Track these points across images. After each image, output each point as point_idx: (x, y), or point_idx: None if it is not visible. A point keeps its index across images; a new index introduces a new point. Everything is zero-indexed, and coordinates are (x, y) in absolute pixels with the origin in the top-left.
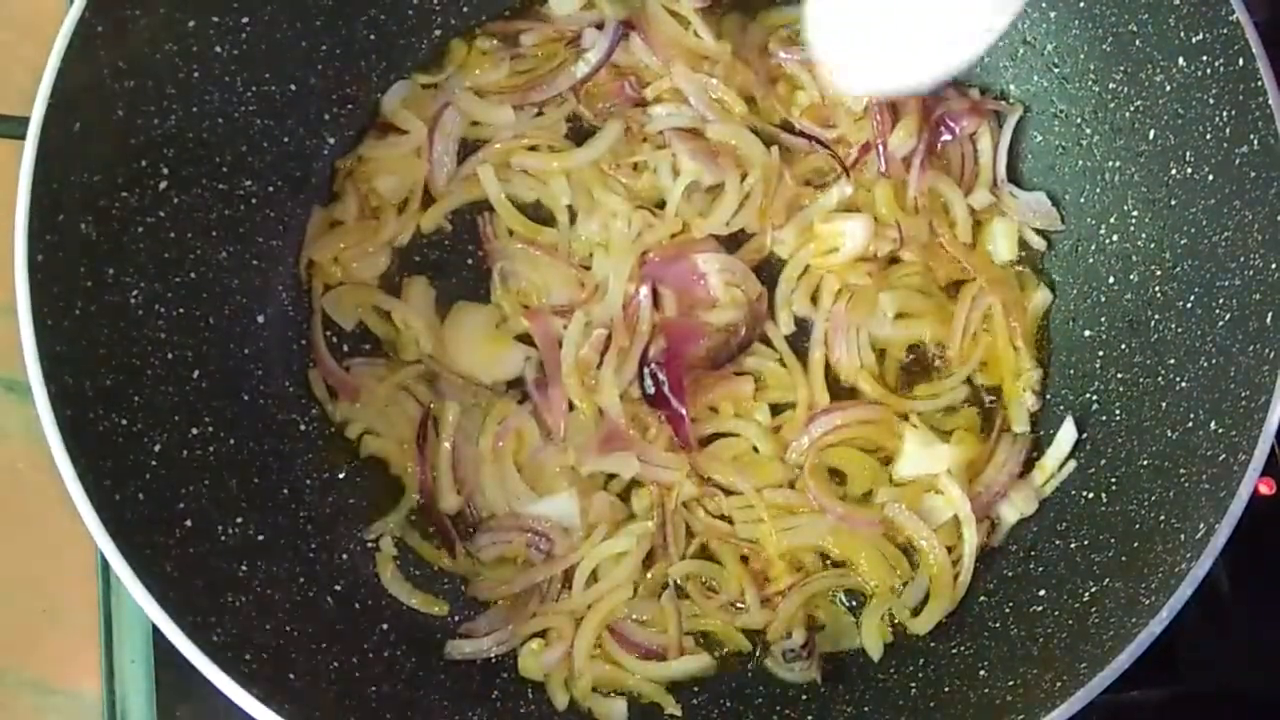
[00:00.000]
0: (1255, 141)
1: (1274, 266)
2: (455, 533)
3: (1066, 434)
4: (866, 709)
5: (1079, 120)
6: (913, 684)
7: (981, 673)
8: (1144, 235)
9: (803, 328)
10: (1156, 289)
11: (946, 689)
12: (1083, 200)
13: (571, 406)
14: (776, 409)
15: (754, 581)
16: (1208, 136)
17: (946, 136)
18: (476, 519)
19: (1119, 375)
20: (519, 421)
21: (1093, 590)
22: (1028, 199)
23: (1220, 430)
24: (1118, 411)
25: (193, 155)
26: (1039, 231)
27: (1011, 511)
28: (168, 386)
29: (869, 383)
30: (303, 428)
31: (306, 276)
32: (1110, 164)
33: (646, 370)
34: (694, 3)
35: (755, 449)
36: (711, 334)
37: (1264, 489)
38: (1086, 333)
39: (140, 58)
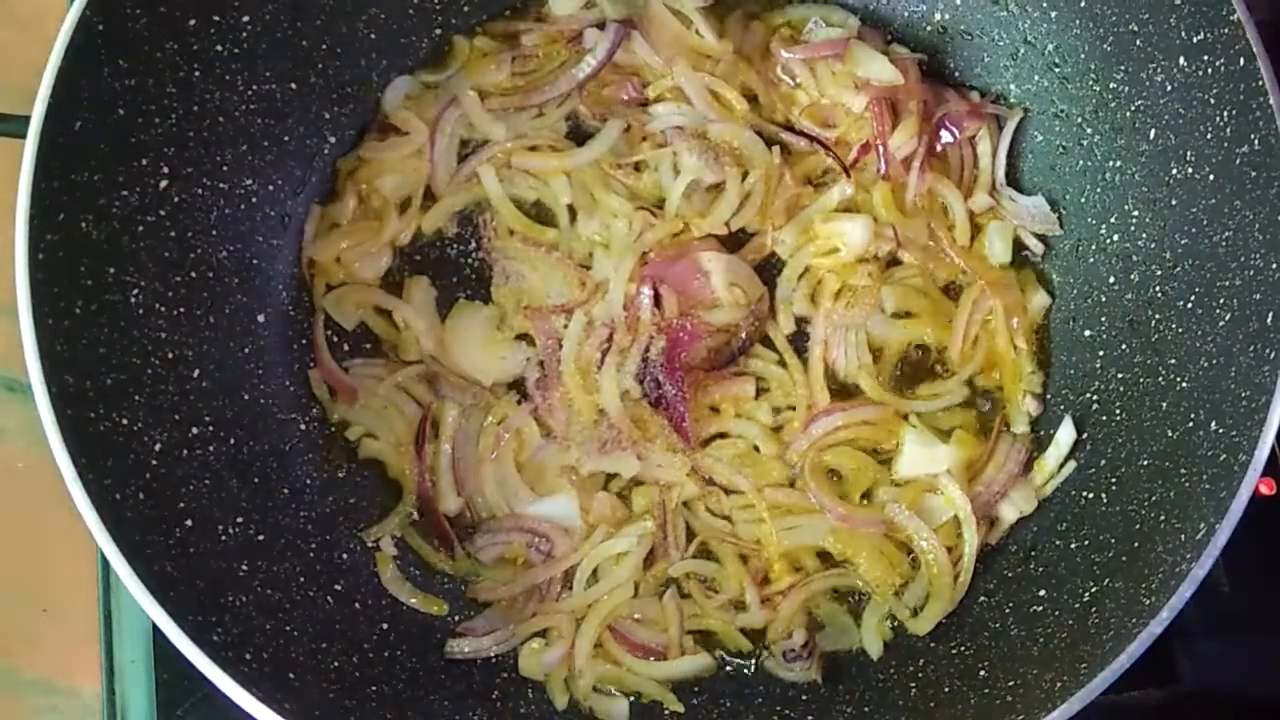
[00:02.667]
0: (1256, 141)
1: (1274, 266)
2: (454, 534)
3: (1066, 434)
4: (866, 709)
5: (1080, 120)
6: (913, 684)
7: (981, 673)
8: (1144, 235)
9: (802, 328)
10: (1157, 289)
11: (946, 689)
12: (1083, 200)
13: (572, 406)
14: (777, 409)
15: (754, 581)
16: (1208, 136)
17: (947, 139)
18: (476, 520)
19: (1119, 375)
20: (519, 421)
21: (1093, 590)
22: (1026, 203)
23: (1220, 430)
24: (1118, 411)
25: (193, 155)
26: (1037, 235)
27: (1011, 511)
28: (168, 386)
29: (869, 382)
30: (303, 428)
31: (308, 276)
32: (1111, 164)
33: (647, 370)
34: (696, 2)
35: (756, 449)
36: (712, 334)
37: (1264, 489)
38: (1086, 333)
39: (140, 58)
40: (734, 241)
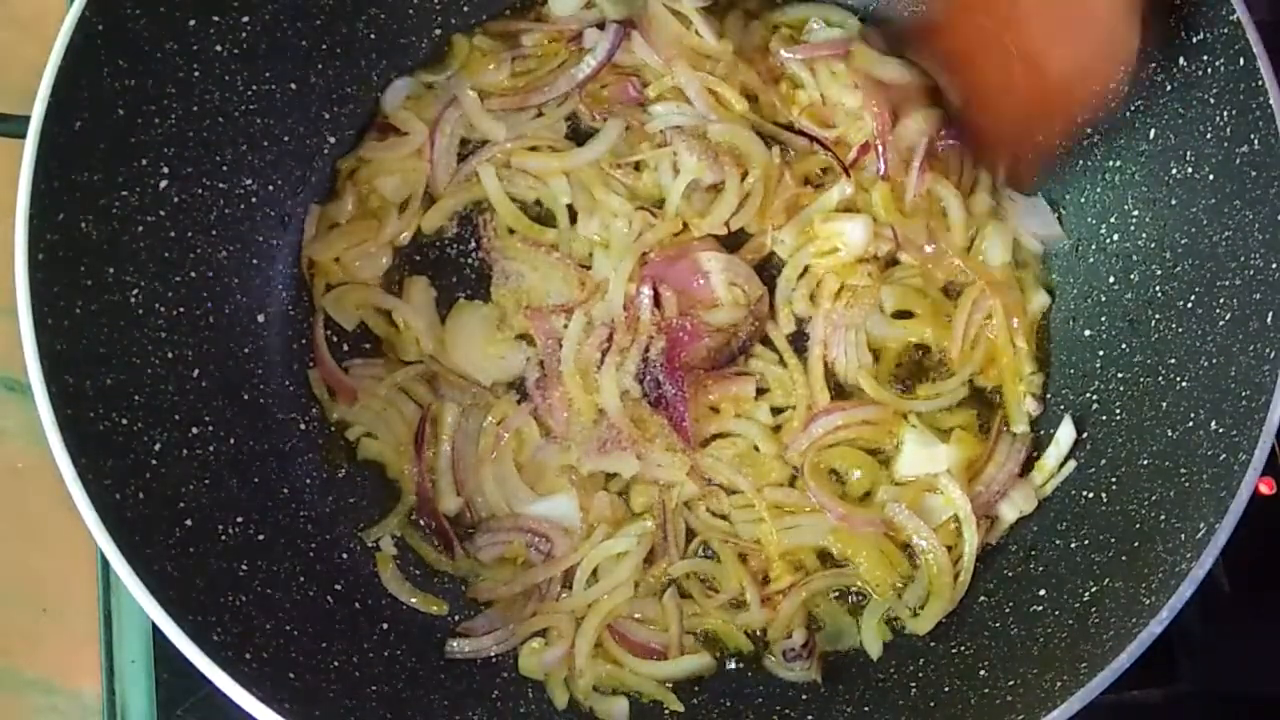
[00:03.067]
0: (1255, 141)
1: (1274, 266)
2: (454, 534)
3: (1065, 433)
4: (866, 709)
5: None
6: (913, 684)
7: (981, 673)
8: (1144, 235)
9: (802, 328)
10: (1157, 288)
11: (946, 689)
12: (1083, 200)
13: (572, 406)
14: (777, 409)
15: (754, 581)
16: (1208, 136)
17: (948, 140)
18: (476, 519)
19: (1119, 375)
20: (519, 421)
21: (1093, 590)
22: (1026, 204)
23: (1220, 430)
24: (1118, 411)
25: (193, 155)
26: (1037, 236)
27: (1011, 510)
28: (168, 386)
29: (869, 382)
30: (303, 428)
31: (308, 276)
32: (1110, 164)
33: (647, 370)
34: (695, 2)
35: (756, 449)
36: (712, 334)
37: (1264, 489)
38: (1086, 332)
39: (140, 58)
40: (734, 241)
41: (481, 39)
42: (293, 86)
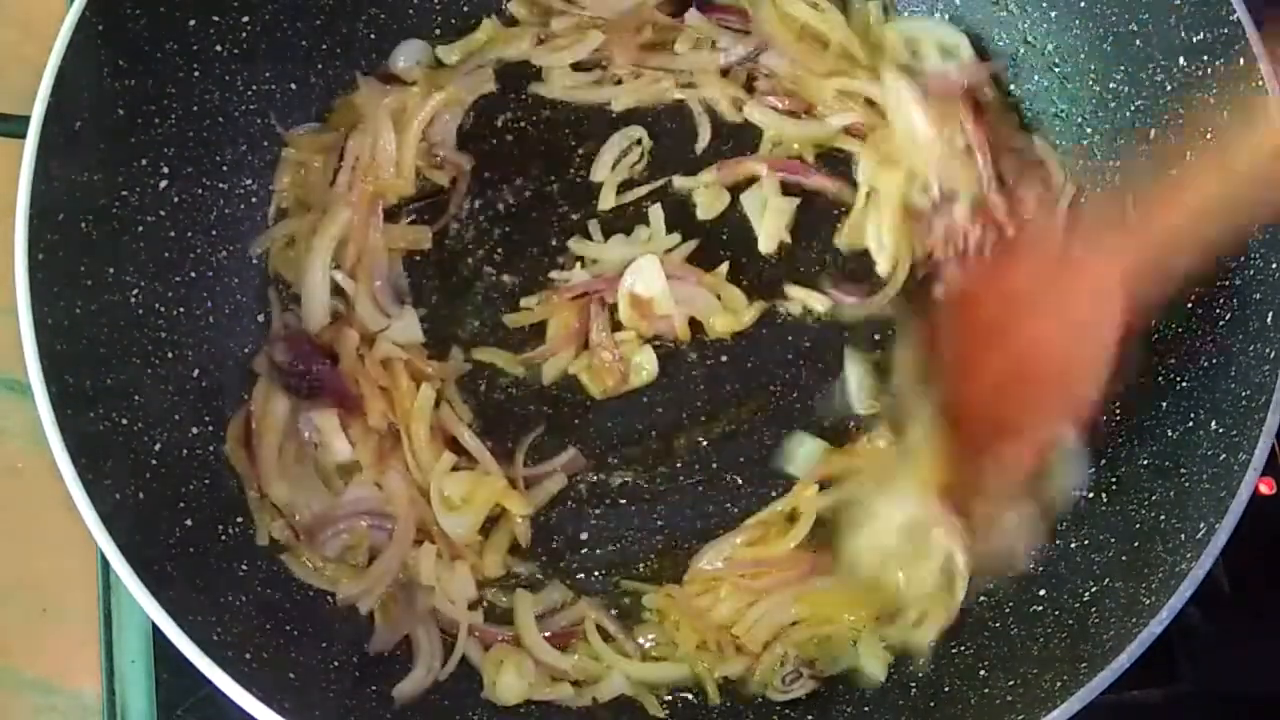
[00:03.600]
0: None
1: (1274, 266)
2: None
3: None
4: (866, 709)
5: (1079, 120)
6: (912, 684)
7: (981, 673)
8: None
9: None
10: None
11: (946, 689)
12: (1083, 201)
13: None
14: None
15: (722, 632)
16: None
17: None
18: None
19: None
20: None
21: (1093, 590)
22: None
23: (1220, 430)
24: (1118, 411)
25: (193, 155)
26: None
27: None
28: (168, 386)
29: None
30: None
31: None
32: (1111, 164)
33: None
34: None
35: None
36: None
37: (1264, 489)
38: None
39: (140, 58)
40: None
41: None
42: (293, 86)
